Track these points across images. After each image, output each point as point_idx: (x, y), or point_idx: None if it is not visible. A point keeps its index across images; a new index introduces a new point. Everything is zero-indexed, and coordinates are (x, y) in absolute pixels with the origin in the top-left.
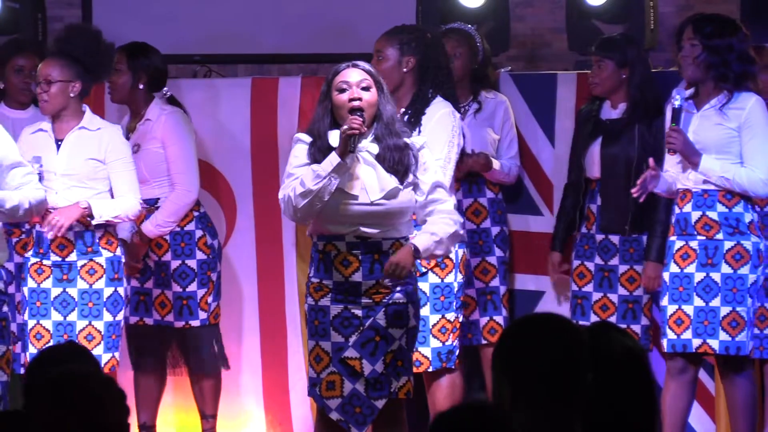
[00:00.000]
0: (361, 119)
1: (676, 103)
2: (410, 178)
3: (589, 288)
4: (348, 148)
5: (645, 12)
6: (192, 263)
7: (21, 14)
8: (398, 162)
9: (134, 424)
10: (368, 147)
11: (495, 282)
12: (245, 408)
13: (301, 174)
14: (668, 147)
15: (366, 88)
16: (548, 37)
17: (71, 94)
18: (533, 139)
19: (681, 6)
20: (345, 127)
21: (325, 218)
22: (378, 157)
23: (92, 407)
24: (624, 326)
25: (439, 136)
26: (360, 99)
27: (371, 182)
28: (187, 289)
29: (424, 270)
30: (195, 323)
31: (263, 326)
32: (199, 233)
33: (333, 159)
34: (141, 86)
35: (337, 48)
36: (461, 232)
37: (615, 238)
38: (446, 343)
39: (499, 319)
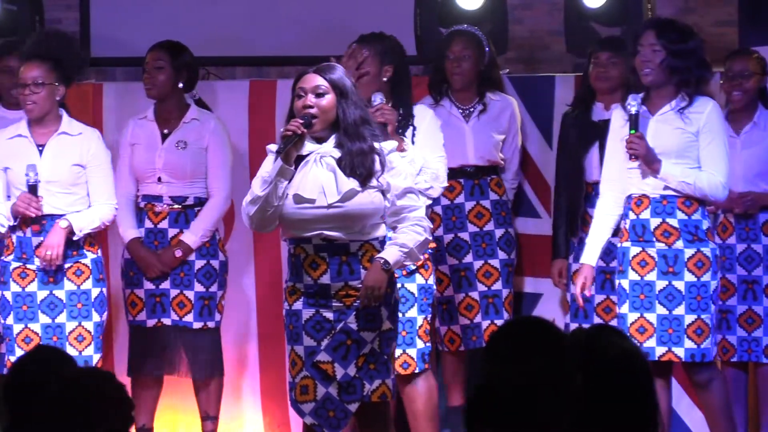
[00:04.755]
0: (301, 121)
1: (633, 109)
2: (374, 182)
3: (591, 291)
4: (285, 149)
5: (643, 14)
6: (215, 264)
7: (19, 16)
8: (360, 165)
9: (132, 427)
10: (330, 152)
11: (497, 285)
12: (244, 410)
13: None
14: (630, 153)
15: (321, 94)
16: (546, 39)
17: (57, 98)
18: (531, 142)
19: (679, 8)
20: (282, 129)
21: (287, 223)
22: (339, 162)
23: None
24: None
25: (436, 136)
26: (312, 106)
27: (329, 186)
28: (210, 290)
29: (413, 268)
30: (211, 324)
31: (261, 329)
32: (218, 235)
33: (277, 163)
34: (181, 85)
35: (335, 50)
36: (430, 238)
37: (616, 240)
38: (427, 344)
39: (500, 323)
